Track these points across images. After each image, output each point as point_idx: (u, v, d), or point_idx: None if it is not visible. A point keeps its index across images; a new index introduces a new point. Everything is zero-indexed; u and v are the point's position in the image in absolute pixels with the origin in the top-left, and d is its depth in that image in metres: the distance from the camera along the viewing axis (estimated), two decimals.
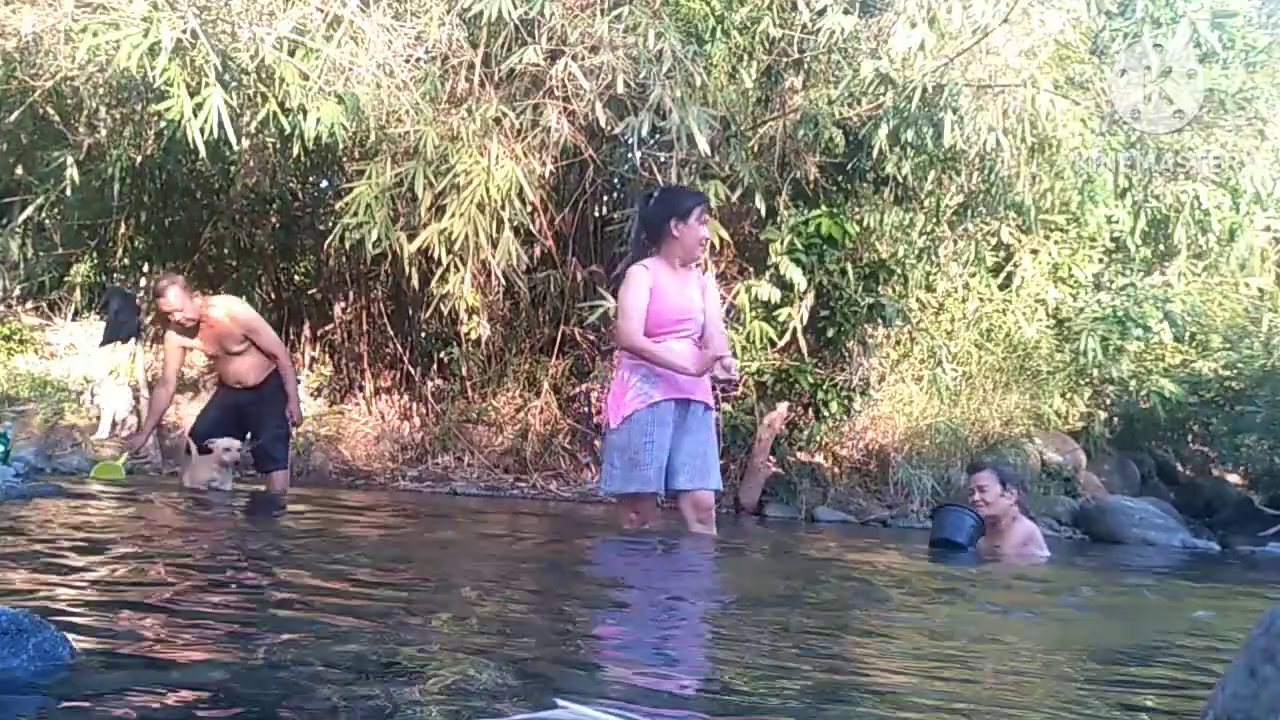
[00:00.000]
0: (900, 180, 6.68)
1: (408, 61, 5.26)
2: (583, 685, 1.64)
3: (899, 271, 6.97)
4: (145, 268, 8.01)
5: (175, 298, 4.81)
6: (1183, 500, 8.55)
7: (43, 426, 6.85)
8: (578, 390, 7.16)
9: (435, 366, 7.53)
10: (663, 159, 6.05)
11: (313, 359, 8.03)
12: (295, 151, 5.89)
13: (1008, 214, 7.52)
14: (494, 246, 5.55)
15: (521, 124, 5.60)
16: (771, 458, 6.49)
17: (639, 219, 4.50)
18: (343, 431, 7.33)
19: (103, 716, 1.32)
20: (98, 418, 6.95)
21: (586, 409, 7.19)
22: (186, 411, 7.45)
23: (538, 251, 6.56)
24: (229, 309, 5.02)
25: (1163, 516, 7.29)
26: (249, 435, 5.15)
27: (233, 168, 6.95)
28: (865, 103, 6.07)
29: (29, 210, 7.19)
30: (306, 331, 8.01)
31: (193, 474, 5.08)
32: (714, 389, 4.06)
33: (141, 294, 7.87)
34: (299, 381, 5.26)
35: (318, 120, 4.75)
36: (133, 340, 6.84)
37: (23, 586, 2.14)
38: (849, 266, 6.32)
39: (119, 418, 6.88)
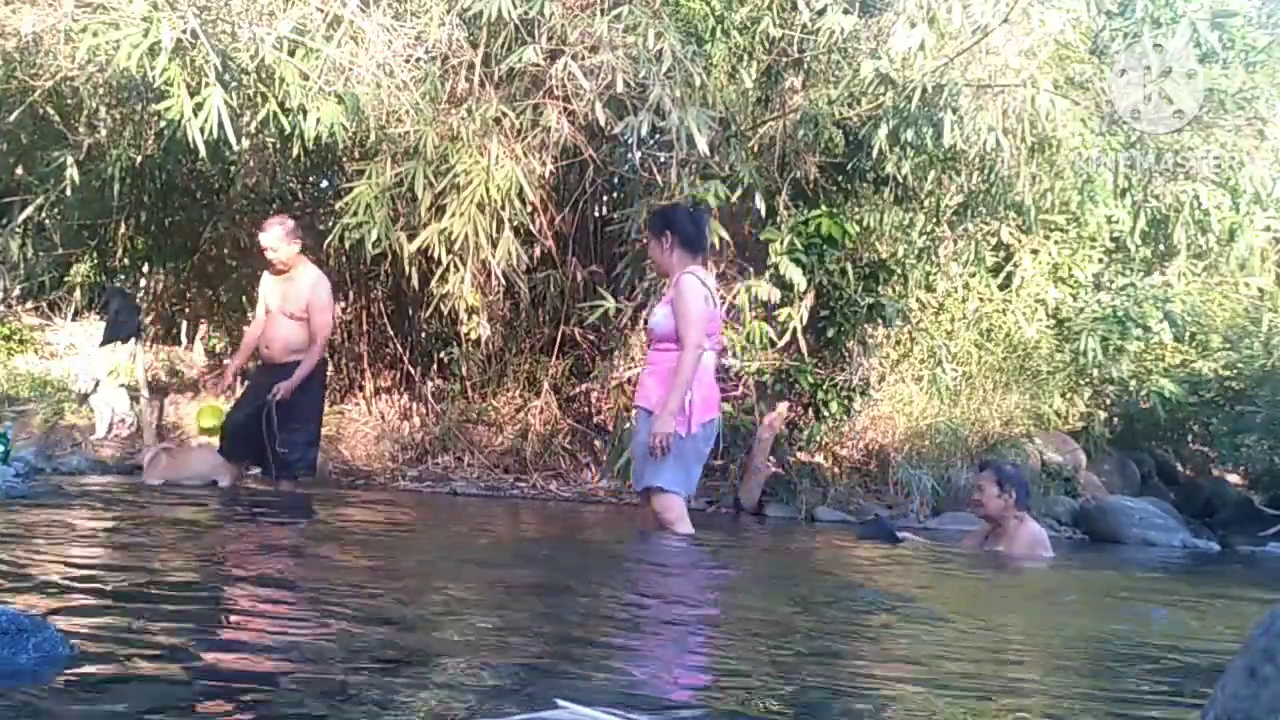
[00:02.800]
0: (900, 180, 6.67)
1: (408, 61, 5.25)
2: (583, 685, 1.64)
3: (899, 271, 6.96)
4: (145, 268, 8.01)
5: (279, 236, 5.01)
6: (1183, 500, 8.55)
7: (43, 426, 6.85)
8: (578, 390, 7.16)
9: (435, 366, 7.53)
10: (663, 159, 6.05)
11: None
12: (295, 151, 5.88)
13: (1008, 214, 7.52)
14: (494, 246, 5.55)
15: (521, 124, 5.59)
16: (771, 458, 6.49)
17: None
18: (343, 431, 7.32)
19: (102, 715, 1.32)
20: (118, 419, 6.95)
21: (587, 409, 7.19)
22: (186, 411, 7.45)
23: (538, 251, 6.56)
24: (315, 273, 5.23)
25: (1163, 516, 7.29)
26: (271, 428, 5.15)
27: (233, 168, 6.94)
28: (865, 103, 6.07)
29: (29, 210, 7.17)
30: None
31: (175, 468, 5.14)
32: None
33: (141, 294, 7.88)
34: (315, 379, 5.28)
35: (318, 120, 4.75)
36: (133, 340, 6.83)
37: (23, 586, 2.14)
38: (849, 266, 6.31)
39: (117, 417, 6.88)
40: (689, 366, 3.86)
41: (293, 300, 5.10)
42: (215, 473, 5.27)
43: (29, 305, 8.90)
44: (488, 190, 5.35)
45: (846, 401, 6.48)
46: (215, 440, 5.42)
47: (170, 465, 5.35)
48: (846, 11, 5.84)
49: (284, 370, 5.12)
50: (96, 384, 6.77)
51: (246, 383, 5.48)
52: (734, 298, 6.35)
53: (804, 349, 6.32)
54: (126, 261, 7.81)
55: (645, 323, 4.17)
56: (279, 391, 4.98)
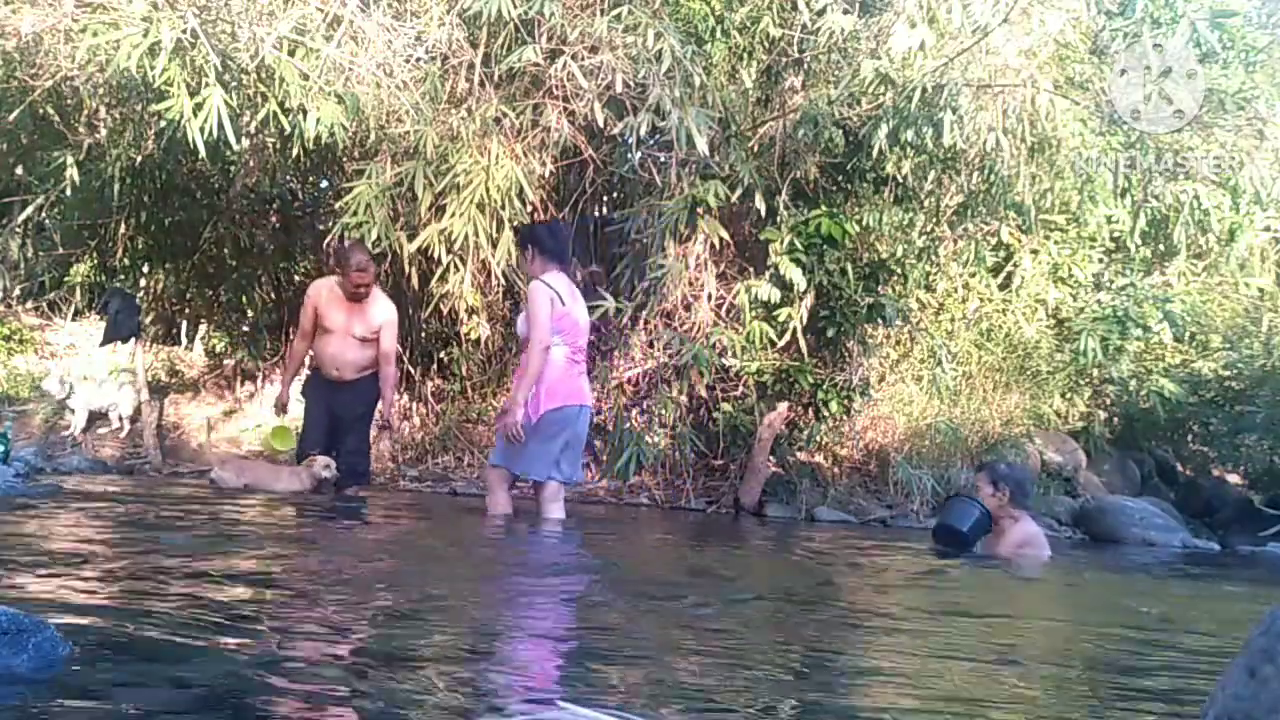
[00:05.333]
0: (900, 180, 6.67)
1: (408, 61, 5.25)
2: (583, 685, 1.64)
3: (899, 271, 6.96)
4: (145, 268, 8.00)
5: (367, 260, 5.20)
6: (1183, 500, 8.55)
7: (43, 426, 6.85)
8: None
9: (435, 366, 7.52)
10: (663, 159, 6.05)
11: (313, 359, 8.02)
12: (295, 151, 5.87)
13: (1008, 214, 7.51)
14: (494, 246, 5.55)
15: (521, 124, 5.59)
16: (771, 458, 6.48)
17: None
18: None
19: (102, 714, 1.32)
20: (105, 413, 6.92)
21: None
22: (186, 411, 7.45)
23: None
24: (385, 298, 5.43)
25: (1163, 516, 7.29)
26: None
27: (233, 168, 6.94)
28: (865, 103, 6.06)
29: (29, 210, 7.17)
30: None
31: (287, 480, 5.26)
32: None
33: (141, 294, 7.87)
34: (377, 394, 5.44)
35: (318, 120, 4.74)
36: (133, 340, 6.82)
37: (23, 586, 2.14)
38: (849, 266, 6.31)
39: (121, 415, 6.86)
40: (533, 362, 4.37)
41: (365, 324, 5.25)
42: (286, 482, 5.31)
43: (29, 305, 8.89)
44: (488, 190, 5.35)
45: (846, 401, 6.47)
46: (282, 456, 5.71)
47: (242, 471, 5.43)
48: (846, 11, 5.84)
49: (354, 386, 5.33)
50: (71, 388, 6.74)
51: (313, 398, 5.51)
52: (734, 298, 6.35)
53: (804, 349, 6.32)
54: (126, 261, 7.79)
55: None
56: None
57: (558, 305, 4.44)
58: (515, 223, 5.53)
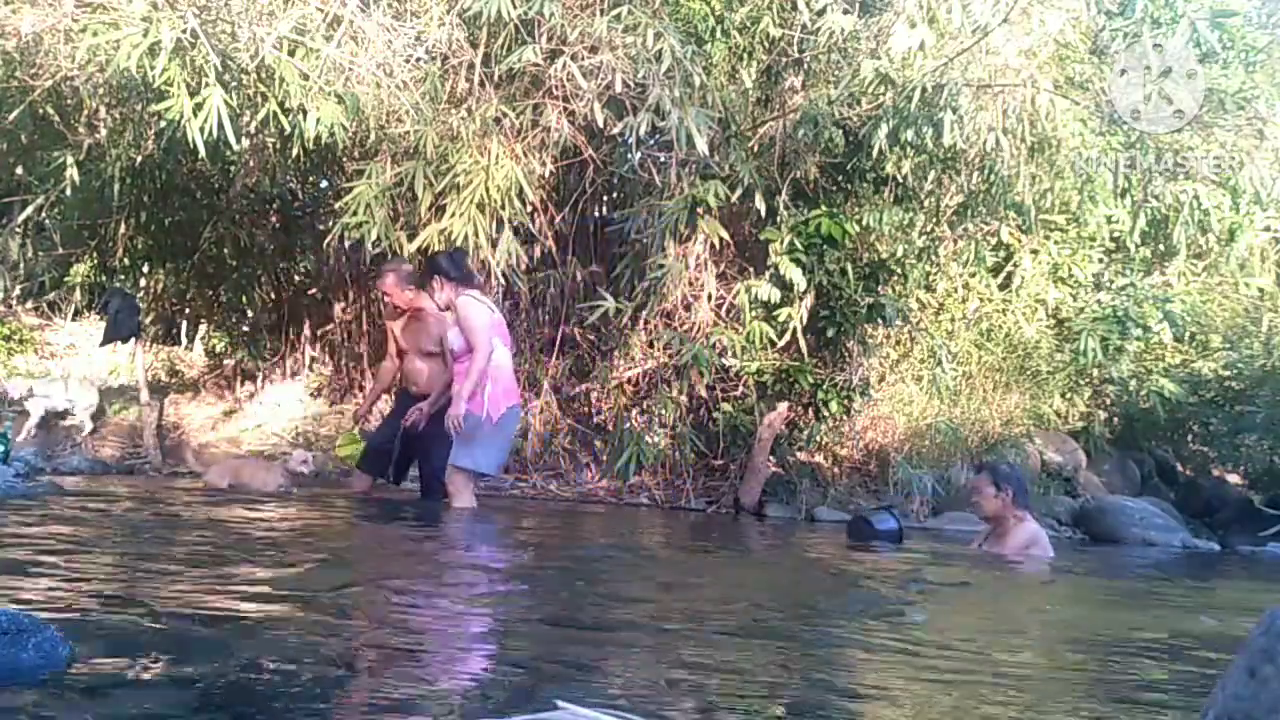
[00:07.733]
0: (900, 180, 6.67)
1: (408, 61, 5.25)
2: (583, 686, 1.64)
3: (899, 271, 6.96)
4: (145, 268, 8.01)
5: (389, 283, 5.23)
6: (1183, 500, 8.55)
7: (43, 426, 6.84)
8: (578, 390, 7.16)
9: None
10: (663, 159, 6.05)
11: (313, 359, 8.02)
12: (295, 151, 5.87)
13: (1008, 214, 7.51)
14: (494, 246, 5.55)
15: (521, 124, 5.59)
16: (771, 458, 6.48)
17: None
18: (344, 431, 7.31)
19: (101, 714, 1.32)
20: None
21: (587, 409, 7.18)
22: (186, 412, 7.45)
23: (538, 251, 6.55)
24: (438, 312, 5.11)
25: (1163, 516, 7.28)
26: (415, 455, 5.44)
27: (233, 168, 6.94)
28: (865, 103, 6.06)
29: (29, 210, 7.17)
30: (306, 331, 8.00)
31: (263, 478, 5.26)
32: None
33: (141, 294, 7.87)
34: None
35: (318, 120, 4.74)
36: (133, 340, 6.82)
37: (23, 586, 2.14)
38: (849, 266, 6.31)
39: (91, 415, 6.79)
40: (480, 363, 4.62)
41: (427, 339, 5.24)
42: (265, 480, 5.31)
43: (29, 305, 8.89)
44: (488, 190, 5.35)
45: (846, 401, 6.47)
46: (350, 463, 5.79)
47: (225, 473, 5.43)
48: (846, 11, 5.84)
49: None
50: (30, 390, 6.69)
51: (395, 407, 5.60)
52: (734, 298, 6.35)
53: (804, 349, 6.32)
54: (126, 261, 7.79)
55: (450, 347, 4.94)
56: (417, 418, 5.19)
57: (491, 314, 4.78)
58: (516, 222, 5.56)
